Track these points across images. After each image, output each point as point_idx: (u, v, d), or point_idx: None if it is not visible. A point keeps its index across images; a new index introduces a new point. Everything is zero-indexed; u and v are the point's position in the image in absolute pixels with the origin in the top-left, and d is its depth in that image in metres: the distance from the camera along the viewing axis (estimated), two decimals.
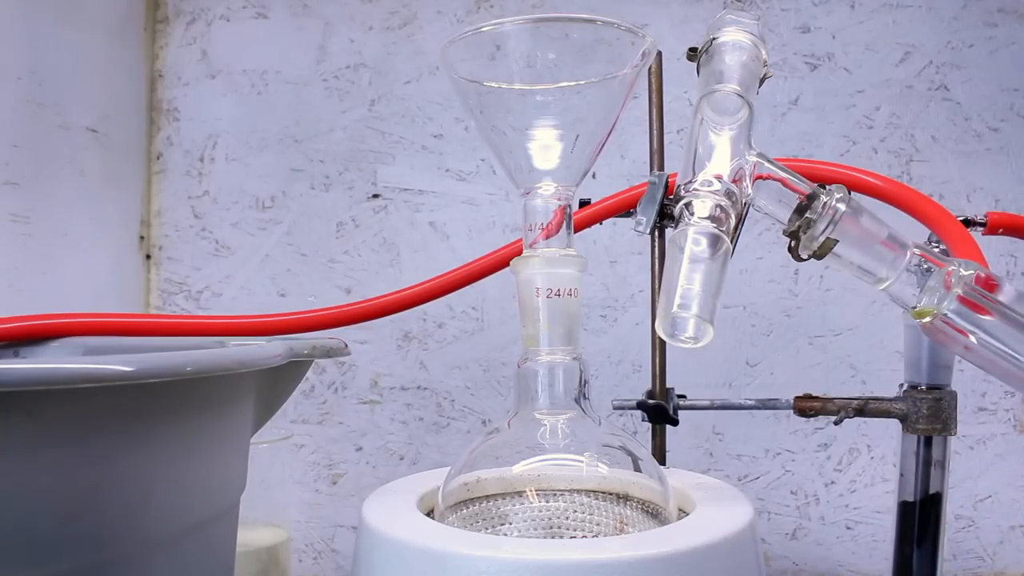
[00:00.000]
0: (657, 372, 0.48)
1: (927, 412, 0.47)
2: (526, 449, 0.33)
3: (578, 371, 0.34)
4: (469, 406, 0.74)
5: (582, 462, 0.33)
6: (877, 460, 0.71)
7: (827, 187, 0.32)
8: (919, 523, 0.49)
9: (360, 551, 0.32)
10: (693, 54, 0.40)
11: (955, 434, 0.48)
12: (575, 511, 0.34)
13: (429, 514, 0.34)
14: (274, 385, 0.39)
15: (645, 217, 0.39)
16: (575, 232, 0.36)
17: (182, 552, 0.33)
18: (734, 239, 0.32)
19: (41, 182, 0.64)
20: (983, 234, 0.47)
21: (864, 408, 0.47)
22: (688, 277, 0.30)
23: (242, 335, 0.45)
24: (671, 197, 0.39)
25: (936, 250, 0.33)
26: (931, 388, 0.48)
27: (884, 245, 0.31)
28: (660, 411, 0.47)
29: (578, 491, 0.34)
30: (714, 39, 0.38)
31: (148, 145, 0.77)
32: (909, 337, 0.50)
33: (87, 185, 0.69)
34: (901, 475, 0.50)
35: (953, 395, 0.48)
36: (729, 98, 0.34)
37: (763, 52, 0.37)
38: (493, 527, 0.32)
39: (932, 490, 0.49)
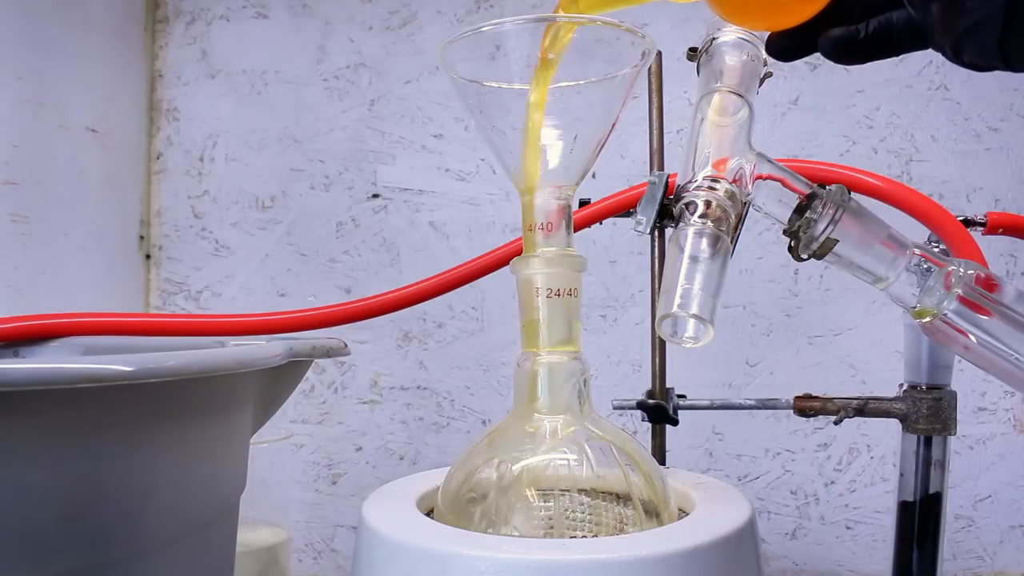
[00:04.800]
0: (657, 372, 0.48)
1: (927, 412, 0.47)
2: (526, 449, 0.33)
3: (578, 371, 0.34)
4: (469, 406, 0.74)
5: (582, 462, 0.33)
6: (877, 460, 0.71)
7: (827, 187, 0.32)
8: (919, 523, 0.49)
9: (360, 551, 0.32)
10: (693, 54, 0.40)
11: (955, 434, 0.48)
12: (575, 511, 0.34)
13: (429, 514, 0.34)
14: (274, 385, 0.39)
15: (645, 217, 0.39)
16: (575, 232, 0.36)
17: (182, 552, 0.33)
18: (734, 239, 0.32)
19: (41, 182, 0.64)
20: (983, 234, 0.47)
21: (864, 408, 0.47)
22: (688, 277, 0.30)
23: (242, 334, 0.45)
24: (671, 197, 0.39)
25: (936, 250, 0.33)
26: (931, 388, 0.48)
27: (884, 245, 0.31)
28: (660, 411, 0.47)
29: (578, 491, 0.34)
30: (714, 39, 0.38)
31: (148, 145, 0.77)
32: (909, 337, 0.50)
33: (87, 185, 0.69)
34: (901, 475, 0.50)
35: (953, 395, 0.48)
36: (729, 98, 0.34)
37: (763, 52, 0.37)
38: (493, 527, 0.32)
39: (932, 490, 0.49)
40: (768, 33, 0.33)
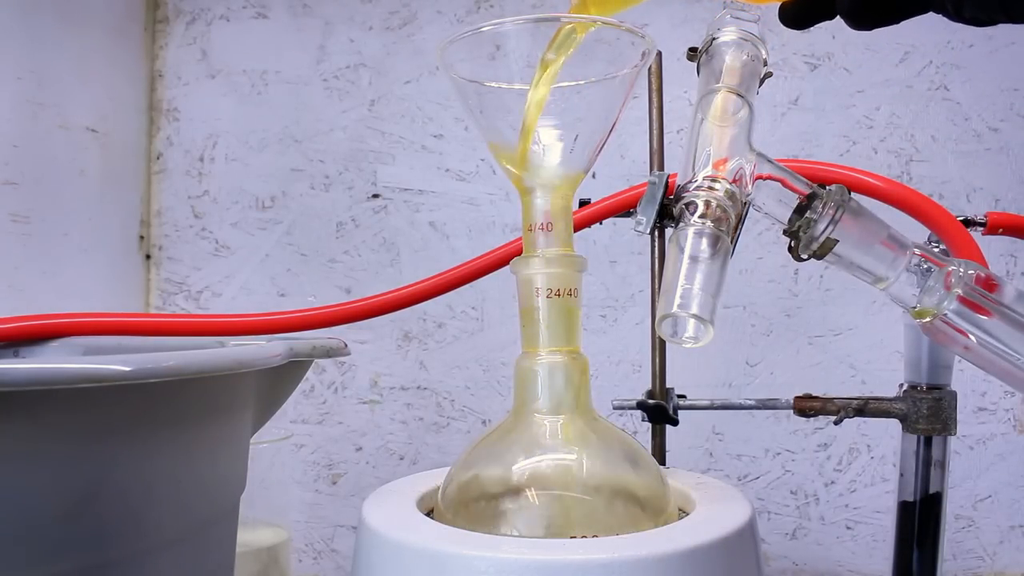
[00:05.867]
0: (657, 372, 0.48)
1: (927, 412, 0.47)
2: (526, 449, 0.33)
3: (578, 371, 0.34)
4: (469, 406, 0.74)
5: (582, 462, 0.33)
6: (877, 460, 0.71)
7: (827, 187, 0.32)
8: (919, 523, 0.49)
9: (360, 551, 0.32)
10: (693, 54, 0.40)
11: (955, 434, 0.48)
12: (575, 511, 0.34)
13: (429, 514, 0.34)
14: (274, 385, 0.39)
15: (645, 217, 0.39)
16: (575, 232, 0.36)
17: (182, 552, 0.33)
18: (734, 239, 0.32)
19: (41, 182, 0.64)
20: (983, 234, 0.47)
21: (864, 408, 0.47)
22: (688, 277, 0.30)
23: (242, 334, 0.45)
24: (671, 197, 0.39)
25: (936, 250, 0.33)
26: (931, 388, 0.48)
27: (884, 245, 0.31)
28: (660, 411, 0.47)
29: (578, 491, 0.34)
30: (714, 39, 0.38)
31: (148, 145, 0.77)
32: (909, 337, 0.50)
33: (87, 185, 0.69)
34: (901, 475, 0.50)
35: (953, 395, 0.48)
36: (729, 98, 0.34)
37: (763, 52, 0.37)
38: (493, 527, 0.32)
39: (932, 490, 0.49)
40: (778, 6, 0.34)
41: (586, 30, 0.33)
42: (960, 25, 0.32)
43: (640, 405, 0.47)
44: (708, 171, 0.33)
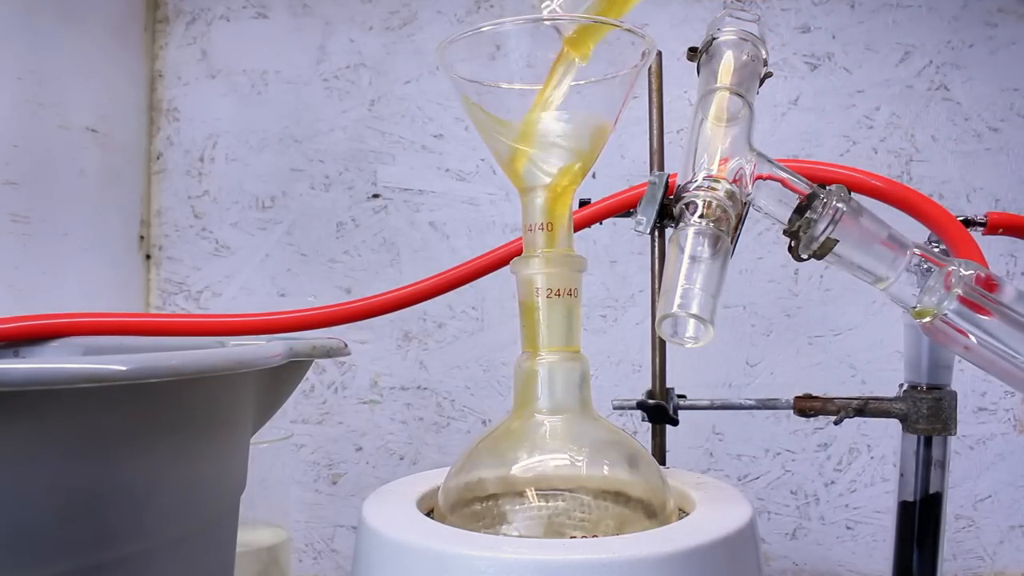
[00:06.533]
0: (657, 372, 0.48)
1: (927, 412, 0.47)
2: (526, 449, 0.33)
3: (578, 371, 0.34)
4: (469, 406, 0.74)
5: (582, 462, 0.33)
6: (877, 460, 0.71)
7: (827, 187, 0.32)
8: (919, 523, 0.49)
9: (360, 551, 0.32)
10: (693, 54, 0.40)
11: (955, 434, 0.48)
12: (575, 511, 0.34)
13: (429, 514, 0.34)
14: (274, 385, 0.39)
15: (645, 217, 0.39)
16: (575, 232, 0.36)
17: (182, 552, 0.33)
18: (734, 239, 0.32)
19: (41, 182, 0.64)
20: (983, 234, 0.47)
21: (864, 408, 0.47)
22: (688, 277, 0.30)
23: (242, 334, 0.45)
24: (671, 197, 0.39)
25: (936, 250, 0.33)
26: (931, 388, 0.48)
27: (884, 245, 0.31)
28: (660, 411, 0.47)
29: (578, 491, 0.34)
30: (714, 39, 0.38)
31: (148, 145, 0.77)
32: (909, 337, 0.50)
33: (87, 185, 0.69)
34: (901, 475, 0.50)
35: (953, 395, 0.48)
36: (729, 98, 0.34)
37: (763, 52, 0.37)
38: (493, 527, 0.32)
39: (932, 490, 0.49)
40: None
41: (587, 56, 0.33)
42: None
43: (640, 405, 0.47)
44: (708, 171, 0.33)
